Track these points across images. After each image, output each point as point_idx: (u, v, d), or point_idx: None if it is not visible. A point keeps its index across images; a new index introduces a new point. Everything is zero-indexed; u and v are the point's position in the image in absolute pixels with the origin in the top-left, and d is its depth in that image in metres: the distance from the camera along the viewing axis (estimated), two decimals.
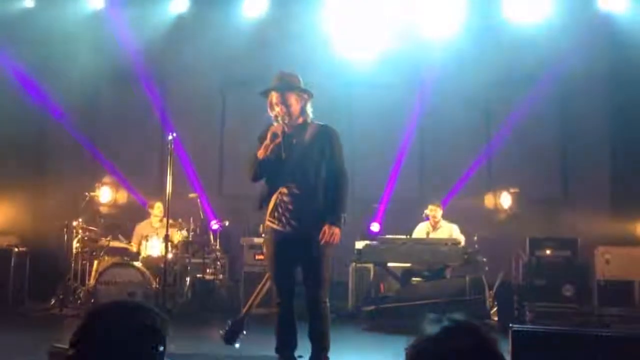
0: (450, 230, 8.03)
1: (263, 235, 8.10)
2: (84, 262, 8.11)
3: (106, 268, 7.64)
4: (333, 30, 9.36)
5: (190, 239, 8.18)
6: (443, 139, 9.43)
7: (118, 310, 1.73)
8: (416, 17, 9.24)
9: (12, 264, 8.16)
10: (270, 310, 4.90)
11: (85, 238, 8.03)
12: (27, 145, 9.56)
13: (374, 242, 7.60)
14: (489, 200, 9.23)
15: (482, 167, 9.52)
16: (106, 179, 8.88)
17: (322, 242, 4.30)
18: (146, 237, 8.08)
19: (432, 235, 7.99)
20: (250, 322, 5.46)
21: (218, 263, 8.32)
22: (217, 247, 8.40)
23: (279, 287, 4.48)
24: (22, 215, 9.06)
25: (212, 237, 8.45)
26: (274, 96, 4.46)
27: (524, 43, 8.97)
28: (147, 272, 7.64)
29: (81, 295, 7.80)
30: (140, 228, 8.50)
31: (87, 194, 8.31)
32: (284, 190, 4.39)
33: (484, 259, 7.43)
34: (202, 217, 8.37)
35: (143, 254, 8.00)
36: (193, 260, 8.22)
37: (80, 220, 7.98)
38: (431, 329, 1.51)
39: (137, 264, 7.78)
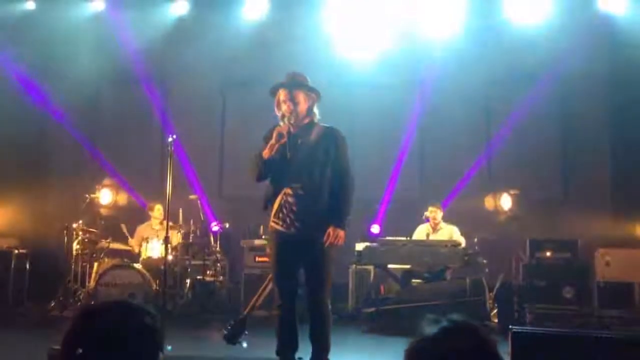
0: (450, 232, 8.02)
1: (263, 237, 8.24)
2: (84, 263, 8.11)
3: (106, 270, 7.64)
4: (333, 31, 9.36)
5: (191, 241, 8.18)
6: (443, 139, 9.43)
7: (117, 310, 1.72)
8: (416, 17, 9.25)
9: (12, 266, 8.16)
10: (271, 312, 4.90)
11: (86, 240, 8.03)
12: (27, 147, 9.57)
13: (374, 244, 7.60)
14: (489, 202, 9.23)
15: (482, 168, 9.52)
16: (106, 181, 8.88)
17: (327, 244, 4.29)
18: (146, 239, 8.09)
19: (432, 237, 7.98)
20: (251, 324, 5.47)
21: (218, 265, 8.33)
22: (217, 248, 8.40)
23: (280, 289, 4.46)
24: (23, 217, 9.06)
25: (212, 238, 8.45)
26: (282, 93, 4.43)
27: (524, 43, 8.98)
28: (147, 274, 7.64)
29: (81, 297, 7.80)
30: (141, 230, 8.51)
31: (87, 195, 8.31)
32: (289, 191, 4.37)
33: (484, 261, 7.42)
34: (202, 218, 8.37)
35: (143, 255, 8.01)
36: (193, 262, 8.22)
37: (80, 222, 7.98)
38: (430, 329, 1.51)
39: (137, 265, 7.79)
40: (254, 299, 5.86)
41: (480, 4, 9.32)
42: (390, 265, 7.71)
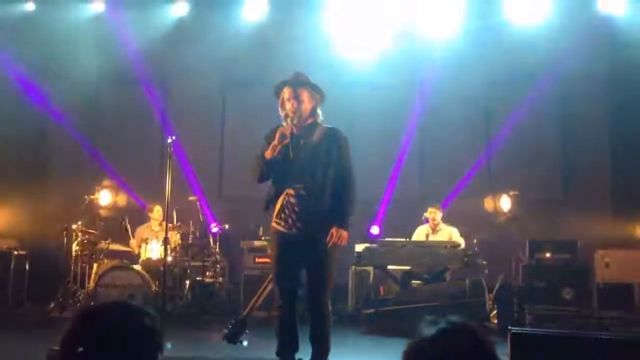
0: (450, 233, 8.02)
1: (263, 238, 8.23)
2: (83, 264, 8.11)
3: (106, 271, 7.63)
4: (333, 32, 9.37)
5: (190, 242, 8.18)
6: (443, 139, 9.44)
7: (116, 311, 1.72)
8: (416, 18, 9.26)
9: (12, 267, 8.16)
10: (271, 313, 4.90)
11: (85, 241, 8.02)
12: (27, 148, 9.57)
13: (374, 245, 7.59)
14: (488, 203, 9.23)
15: (482, 168, 9.53)
16: (106, 182, 8.89)
17: (330, 244, 4.29)
18: (146, 240, 8.09)
19: (431, 238, 7.98)
20: (251, 325, 5.47)
21: (218, 266, 8.32)
22: (217, 250, 8.40)
23: (281, 289, 4.45)
24: (22, 218, 9.06)
25: (211, 240, 8.44)
26: (287, 91, 4.41)
27: (523, 43, 8.99)
28: (147, 275, 7.64)
29: (81, 298, 7.79)
30: (140, 231, 8.51)
31: (86, 197, 8.30)
32: (291, 191, 4.37)
33: (484, 262, 7.42)
34: (201, 220, 8.37)
35: (143, 256, 8.00)
36: (193, 263, 8.22)
37: (79, 223, 7.97)
38: (428, 331, 1.51)
39: (137, 266, 7.78)
40: (254, 299, 5.86)
41: (480, 5, 9.33)
42: (390, 266, 7.71)
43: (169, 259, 7.58)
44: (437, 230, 8.10)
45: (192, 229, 8.17)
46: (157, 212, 8.45)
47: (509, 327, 3.53)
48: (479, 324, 6.50)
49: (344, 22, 9.34)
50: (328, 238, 4.28)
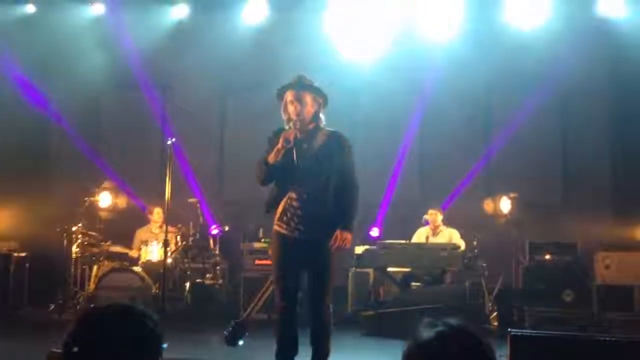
0: (450, 235, 8.03)
1: (262, 240, 8.23)
2: (83, 267, 8.12)
3: (106, 273, 7.64)
4: (334, 35, 9.36)
5: (190, 244, 8.18)
6: (443, 141, 9.44)
7: (117, 314, 1.73)
8: (416, 21, 9.26)
9: (12, 269, 8.16)
10: (271, 315, 4.90)
11: (85, 243, 8.03)
12: (27, 150, 9.56)
13: (374, 247, 7.60)
14: (488, 205, 9.23)
15: (482, 171, 9.53)
16: (106, 184, 8.88)
17: (334, 247, 4.29)
18: (146, 242, 8.10)
19: (432, 240, 7.98)
20: (250, 327, 5.47)
21: (217, 268, 8.32)
22: (217, 252, 8.40)
23: (283, 290, 4.44)
24: (22, 220, 9.05)
25: (211, 242, 8.44)
26: (290, 94, 4.40)
27: (523, 46, 8.99)
28: (147, 277, 7.65)
29: (81, 300, 7.80)
30: (140, 234, 8.52)
31: (86, 199, 8.31)
32: (293, 195, 4.36)
33: (484, 264, 7.42)
34: (201, 222, 8.37)
35: (143, 258, 8.01)
36: (192, 265, 8.22)
37: (80, 225, 7.98)
38: (426, 333, 1.51)
39: (137, 268, 7.79)
40: (254, 301, 5.87)
41: (479, 9, 9.32)
42: (389, 268, 7.71)
43: (169, 261, 7.59)
44: (438, 232, 8.10)
45: (192, 231, 8.17)
46: (157, 214, 8.46)
47: (509, 329, 3.54)
48: (478, 326, 6.51)
49: (344, 24, 9.33)
50: (332, 241, 4.28)
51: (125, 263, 7.95)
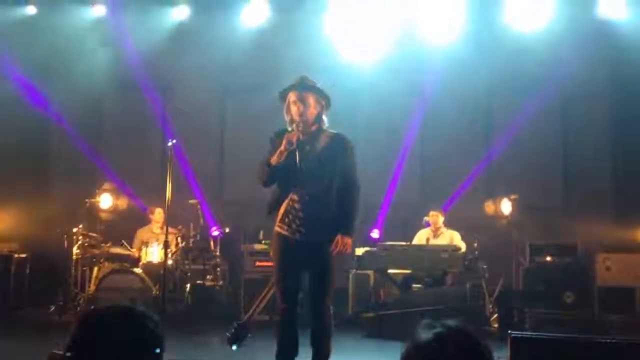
0: (451, 237, 8.02)
1: (263, 241, 8.23)
2: (84, 268, 8.11)
3: (106, 274, 7.64)
4: (334, 37, 9.37)
5: (191, 245, 8.18)
6: (444, 143, 9.44)
7: (118, 315, 1.73)
8: (418, 24, 9.26)
9: (12, 270, 8.16)
10: (272, 316, 4.90)
11: (86, 244, 8.03)
12: (28, 151, 9.57)
13: (374, 249, 7.59)
14: (489, 207, 9.23)
15: (483, 173, 9.53)
16: (106, 185, 8.89)
17: (335, 252, 4.29)
18: (146, 243, 8.10)
19: (433, 242, 7.98)
20: (251, 329, 5.47)
21: (218, 269, 8.32)
22: (217, 253, 8.40)
23: (283, 292, 4.43)
24: (23, 221, 9.06)
25: (212, 243, 8.44)
26: (292, 95, 4.39)
27: (524, 48, 8.99)
28: (147, 278, 7.65)
29: (81, 301, 7.79)
30: (141, 234, 8.52)
31: (87, 200, 8.31)
32: (295, 197, 4.36)
33: (484, 266, 7.42)
34: (202, 223, 8.37)
35: (143, 260, 8.01)
36: (193, 267, 8.21)
37: (80, 226, 7.98)
38: (424, 335, 1.51)
39: (137, 270, 7.79)
40: (256, 303, 5.86)
41: (481, 11, 9.33)
42: (390, 270, 7.71)
43: (170, 262, 7.59)
44: (439, 234, 8.10)
45: (192, 232, 8.18)
46: (158, 214, 8.47)
47: (509, 331, 3.53)
48: (478, 327, 6.51)
49: (345, 26, 9.34)
50: (333, 246, 4.28)
51: (126, 264, 7.95)
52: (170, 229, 7.43)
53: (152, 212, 8.56)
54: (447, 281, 7.60)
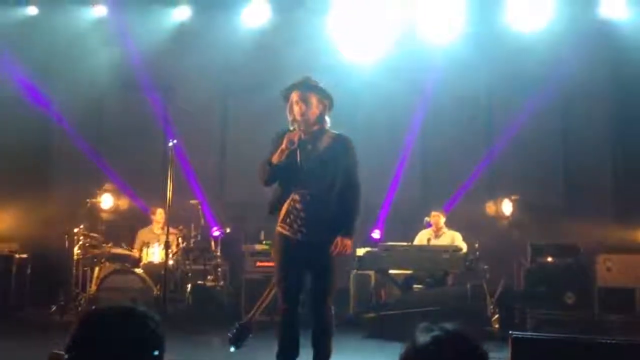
0: (452, 238, 8.02)
1: (264, 242, 8.23)
2: (85, 268, 8.11)
3: (107, 275, 7.64)
4: (335, 37, 9.37)
5: (191, 245, 8.19)
6: (445, 143, 9.44)
7: (119, 315, 1.73)
8: (418, 23, 9.27)
9: (13, 270, 8.17)
10: (273, 317, 4.90)
11: (87, 245, 8.03)
12: (29, 151, 9.57)
13: (375, 249, 7.59)
14: (490, 207, 9.23)
15: (484, 174, 9.52)
16: (108, 186, 8.90)
17: (334, 253, 4.29)
18: (147, 244, 8.10)
19: (434, 242, 7.98)
20: (252, 329, 5.47)
21: (219, 270, 8.32)
22: (218, 253, 8.40)
23: (285, 292, 4.43)
24: (24, 222, 9.07)
25: (213, 243, 8.45)
26: (295, 95, 4.39)
27: (525, 48, 8.99)
28: (148, 279, 7.65)
29: (82, 301, 7.80)
30: (142, 234, 8.52)
31: (88, 200, 8.31)
32: (297, 197, 4.36)
33: (485, 266, 7.42)
34: (203, 224, 8.37)
35: (144, 260, 8.01)
36: (194, 267, 8.22)
37: (81, 226, 7.98)
38: (422, 337, 1.52)
39: (138, 270, 7.79)
40: (258, 303, 5.86)
41: (481, 10, 9.33)
42: (391, 271, 7.71)
43: (170, 262, 7.59)
44: (440, 234, 8.10)
45: (193, 232, 8.18)
46: (159, 214, 8.47)
47: (510, 332, 3.53)
48: (480, 328, 6.50)
49: (346, 26, 9.34)
50: (333, 247, 4.28)
51: (127, 265, 7.95)
52: (171, 229, 7.43)
53: (153, 213, 8.57)
54: (448, 282, 7.60)
